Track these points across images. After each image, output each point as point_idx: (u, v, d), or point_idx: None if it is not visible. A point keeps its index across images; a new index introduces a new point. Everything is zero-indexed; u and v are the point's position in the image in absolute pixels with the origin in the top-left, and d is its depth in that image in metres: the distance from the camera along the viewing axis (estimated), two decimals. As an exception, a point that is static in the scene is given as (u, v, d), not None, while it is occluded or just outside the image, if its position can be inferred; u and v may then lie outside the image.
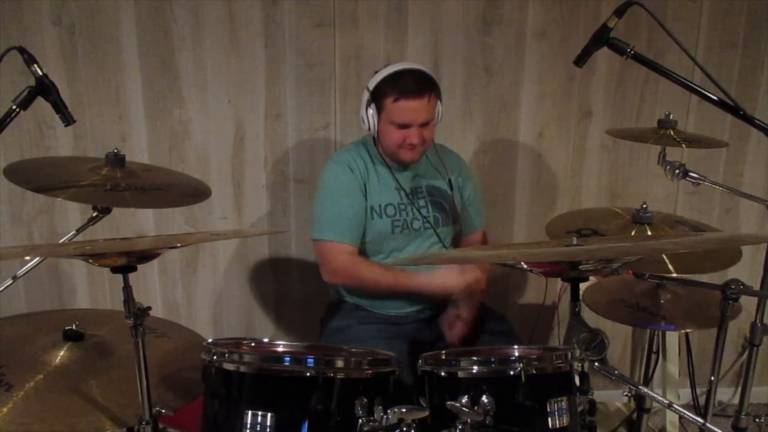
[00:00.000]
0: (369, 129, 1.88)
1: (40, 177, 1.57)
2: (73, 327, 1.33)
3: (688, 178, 1.73)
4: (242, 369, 1.21)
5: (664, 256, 1.68)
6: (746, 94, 2.45)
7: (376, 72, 1.86)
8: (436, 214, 1.98)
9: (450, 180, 1.96)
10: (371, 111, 1.84)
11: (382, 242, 1.94)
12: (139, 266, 1.20)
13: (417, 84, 1.80)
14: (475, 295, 1.90)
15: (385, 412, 1.17)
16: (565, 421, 1.23)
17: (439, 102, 1.87)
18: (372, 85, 1.84)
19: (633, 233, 1.79)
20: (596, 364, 1.22)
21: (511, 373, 1.20)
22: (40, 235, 2.29)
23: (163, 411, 1.21)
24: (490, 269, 2.02)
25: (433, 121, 1.86)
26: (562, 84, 2.40)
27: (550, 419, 1.22)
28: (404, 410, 1.16)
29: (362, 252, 1.94)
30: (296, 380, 1.20)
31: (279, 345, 1.43)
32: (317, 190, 1.96)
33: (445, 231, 1.98)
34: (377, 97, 1.83)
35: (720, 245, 1.74)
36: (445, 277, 1.84)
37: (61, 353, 1.30)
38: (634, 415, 2.13)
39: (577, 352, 1.22)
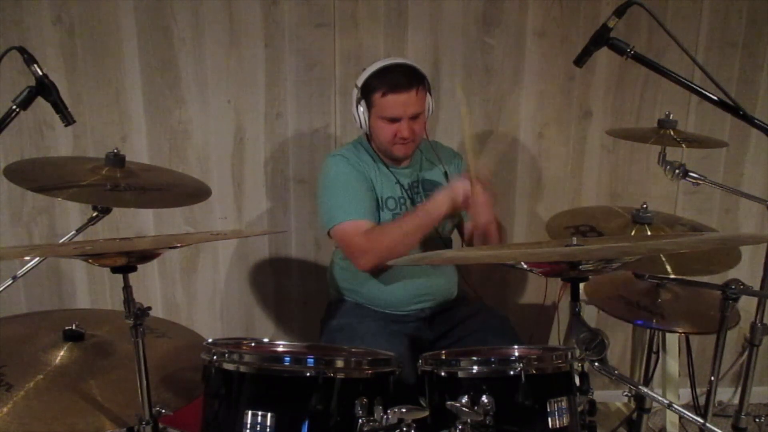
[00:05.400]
0: (360, 126, 1.89)
1: (40, 177, 1.57)
2: (73, 327, 1.33)
3: (688, 178, 1.73)
4: (242, 369, 1.21)
5: (663, 258, 1.68)
6: (746, 94, 2.45)
7: (364, 69, 1.87)
8: None
9: (446, 172, 1.98)
10: (362, 108, 1.86)
11: None
12: (139, 266, 1.20)
13: (404, 77, 1.81)
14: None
15: (385, 412, 1.17)
16: (565, 421, 1.23)
17: (428, 95, 1.87)
18: (360, 82, 1.85)
19: (633, 233, 1.79)
20: (596, 364, 1.22)
21: (511, 373, 1.20)
22: (40, 235, 2.29)
23: (163, 411, 1.21)
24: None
25: (423, 114, 1.86)
26: (562, 84, 2.40)
27: (550, 419, 1.22)
28: (404, 410, 1.16)
29: None
30: (296, 380, 1.19)
31: (279, 345, 1.43)
32: (321, 185, 1.92)
33: (442, 223, 1.97)
34: (366, 93, 1.84)
35: (720, 245, 1.74)
36: (452, 188, 1.80)
37: (61, 353, 1.30)
38: (634, 415, 2.13)
39: (577, 352, 1.22)
